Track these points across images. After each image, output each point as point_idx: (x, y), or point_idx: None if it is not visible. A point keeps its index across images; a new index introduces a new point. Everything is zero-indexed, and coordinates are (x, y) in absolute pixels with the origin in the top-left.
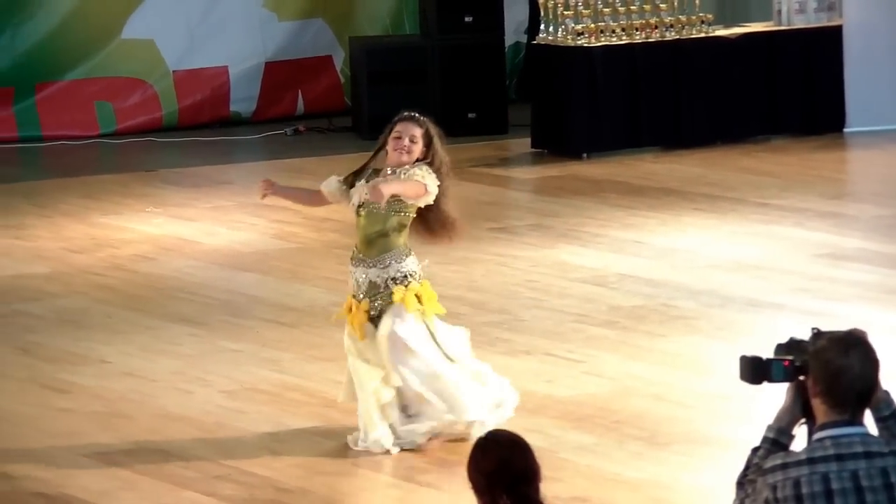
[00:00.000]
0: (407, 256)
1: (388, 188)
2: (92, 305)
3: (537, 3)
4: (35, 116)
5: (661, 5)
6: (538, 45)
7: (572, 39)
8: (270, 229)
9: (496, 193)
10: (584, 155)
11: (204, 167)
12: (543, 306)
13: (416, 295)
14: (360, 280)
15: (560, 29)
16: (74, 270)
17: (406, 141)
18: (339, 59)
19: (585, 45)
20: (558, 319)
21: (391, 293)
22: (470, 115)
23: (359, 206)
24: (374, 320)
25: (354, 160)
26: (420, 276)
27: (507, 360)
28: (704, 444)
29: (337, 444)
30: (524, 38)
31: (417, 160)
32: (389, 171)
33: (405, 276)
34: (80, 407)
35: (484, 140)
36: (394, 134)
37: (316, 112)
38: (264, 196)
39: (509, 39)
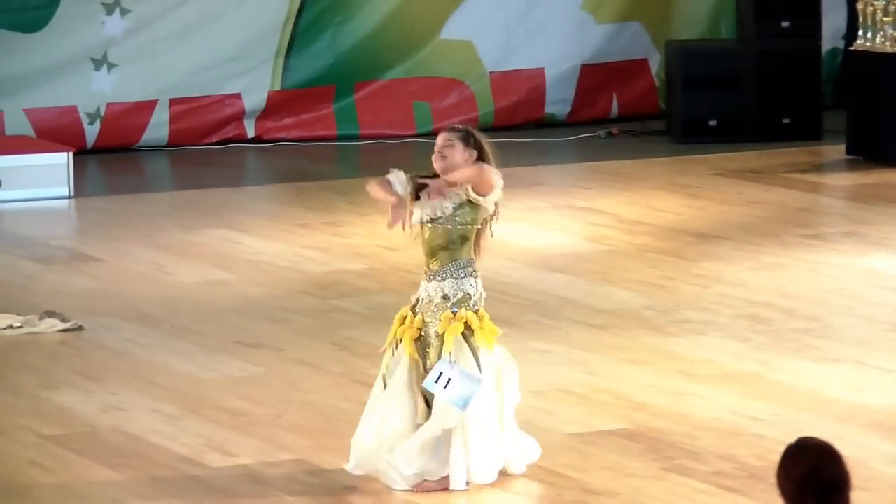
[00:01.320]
0: (467, 276)
1: (460, 175)
2: (405, 303)
3: (856, 10)
4: (354, 115)
5: None
6: (856, 51)
7: (891, 46)
8: (582, 231)
9: (809, 199)
10: None
11: (518, 168)
12: (855, 314)
13: (466, 323)
14: (422, 296)
15: (878, 35)
16: (389, 268)
17: (443, 149)
18: (655, 63)
19: None
20: (870, 328)
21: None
22: (784, 121)
23: (425, 222)
24: (421, 339)
25: (667, 164)
26: (476, 301)
27: (816, 367)
28: None
29: (644, 447)
30: (842, 44)
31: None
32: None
33: (460, 298)
34: None
35: (798, 146)
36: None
37: (630, 115)
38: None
39: (826, 45)
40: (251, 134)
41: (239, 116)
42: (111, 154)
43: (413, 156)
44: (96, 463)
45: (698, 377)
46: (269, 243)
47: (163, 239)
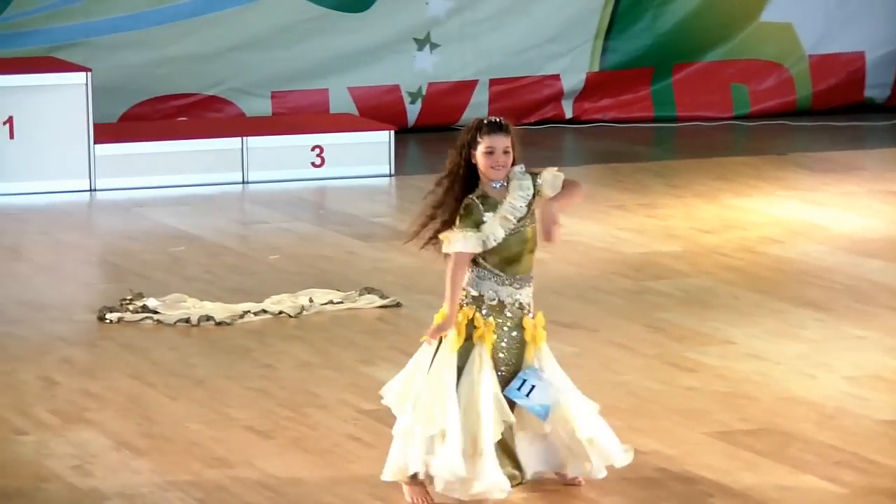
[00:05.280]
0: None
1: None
2: (719, 286)
3: None
4: (671, 97)
5: None
6: None
7: None
8: None
9: None
10: None
11: (835, 152)
12: None
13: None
14: (513, 301)
15: None
16: (703, 250)
17: (501, 155)
18: None
19: None
20: None
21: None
22: None
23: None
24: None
25: None
26: (473, 302)
27: None
28: None
29: None
30: None
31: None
32: (496, 186)
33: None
34: (704, 386)
35: None
36: (486, 150)
37: None
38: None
39: None
40: (569, 115)
41: (558, 97)
42: (431, 133)
43: (730, 138)
44: None
45: None
46: (584, 224)
47: None
